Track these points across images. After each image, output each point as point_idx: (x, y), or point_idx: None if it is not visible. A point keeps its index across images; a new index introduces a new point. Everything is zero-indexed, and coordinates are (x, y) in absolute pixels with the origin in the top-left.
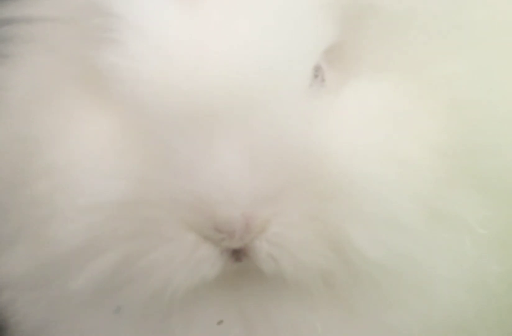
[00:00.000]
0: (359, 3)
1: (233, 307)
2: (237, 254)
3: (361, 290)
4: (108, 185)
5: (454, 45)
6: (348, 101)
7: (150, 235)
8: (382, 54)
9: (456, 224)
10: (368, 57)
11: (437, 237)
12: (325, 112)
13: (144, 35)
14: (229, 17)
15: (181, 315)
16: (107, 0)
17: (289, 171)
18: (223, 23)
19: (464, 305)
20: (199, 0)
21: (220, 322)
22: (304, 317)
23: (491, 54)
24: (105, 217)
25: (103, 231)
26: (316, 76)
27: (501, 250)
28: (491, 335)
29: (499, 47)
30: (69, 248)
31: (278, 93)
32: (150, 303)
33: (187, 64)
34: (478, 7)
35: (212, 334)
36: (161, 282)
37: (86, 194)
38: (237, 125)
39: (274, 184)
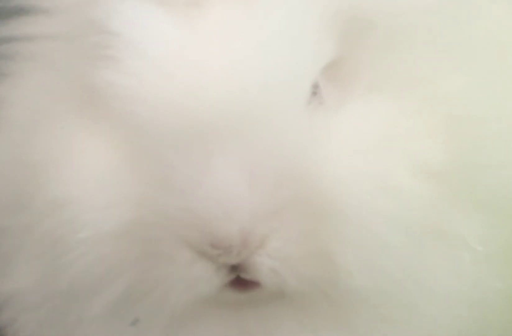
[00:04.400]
0: (358, 20)
1: (235, 326)
2: (235, 271)
3: (360, 308)
4: (107, 214)
5: (453, 61)
6: (346, 120)
7: (150, 254)
8: (381, 70)
9: (455, 241)
10: (367, 73)
11: (435, 255)
12: (323, 131)
13: (142, 52)
14: (228, 34)
15: (184, 333)
16: (105, 17)
17: (286, 187)
18: (222, 40)
19: (465, 322)
20: (198, 17)
21: None
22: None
23: (489, 71)
24: (108, 245)
25: (109, 260)
26: (314, 93)
27: (502, 267)
28: None
29: (498, 63)
30: (79, 280)
31: (276, 111)
32: (154, 320)
33: (186, 81)
34: (477, 23)
35: None
36: (161, 300)
37: (87, 227)
38: (235, 142)
39: (272, 200)
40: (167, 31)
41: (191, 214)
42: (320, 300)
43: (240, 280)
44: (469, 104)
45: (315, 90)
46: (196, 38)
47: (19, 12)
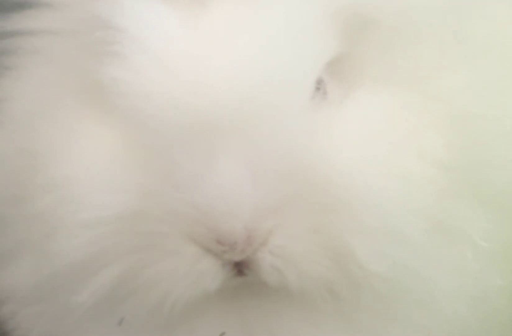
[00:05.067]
0: (361, 16)
1: (235, 320)
2: (239, 267)
3: (364, 304)
4: (110, 199)
5: (456, 58)
6: (350, 114)
7: (152, 248)
8: (384, 67)
9: (458, 237)
10: (370, 69)
11: (439, 250)
12: (327, 125)
13: (146, 48)
14: (232, 30)
15: (184, 327)
16: (109, 13)
17: (291, 183)
18: (225, 36)
19: (466, 319)
20: (202, 13)
21: (222, 334)
22: (307, 331)
23: (493, 67)
24: (107, 231)
25: (105, 245)
26: (318, 89)
27: (503, 264)
28: None
29: (501, 60)
30: (72, 262)
31: (280, 106)
32: (152, 315)
33: (189, 78)
34: (480, 20)
35: None
36: (162, 295)
37: (88, 208)
38: (239, 138)
39: (276, 196)
40: (172, 28)
41: (196, 210)
42: (323, 295)
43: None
44: (472, 101)
45: (318, 86)
46: (200, 35)
47: (22, 6)
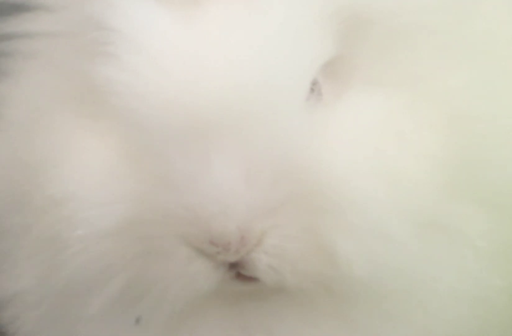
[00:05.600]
0: (358, 17)
1: (236, 321)
2: (236, 268)
3: (363, 304)
4: (106, 211)
5: (453, 58)
6: (345, 116)
7: (149, 252)
8: (380, 67)
9: (457, 237)
10: (366, 71)
11: (438, 250)
12: (322, 126)
13: (140, 48)
14: (227, 30)
15: (184, 329)
16: (104, 13)
17: (284, 184)
18: (220, 36)
19: (466, 319)
20: (196, 13)
21: None
22: (306, 331)
23: (490, 67)
24: (107, 243)
25: (109, 258)
26: (313, 90)
27: (504, 264)
28: None
29: (499, 60)
30: (76, 278)
31: (275, 107)
32: (152, 317)
33: (183, 78)
34: (477, 20)
35: None
36: (160, 296)
37: (86, 224)
38: (234, 139)
39: (270, 197)
40: (166, 28)
41: (189, 211)
42: (321, 295)
43: (241, 275)
44: (469, 101)
45: (314, 87)
46: (195, 35)
47: (19, 9)
